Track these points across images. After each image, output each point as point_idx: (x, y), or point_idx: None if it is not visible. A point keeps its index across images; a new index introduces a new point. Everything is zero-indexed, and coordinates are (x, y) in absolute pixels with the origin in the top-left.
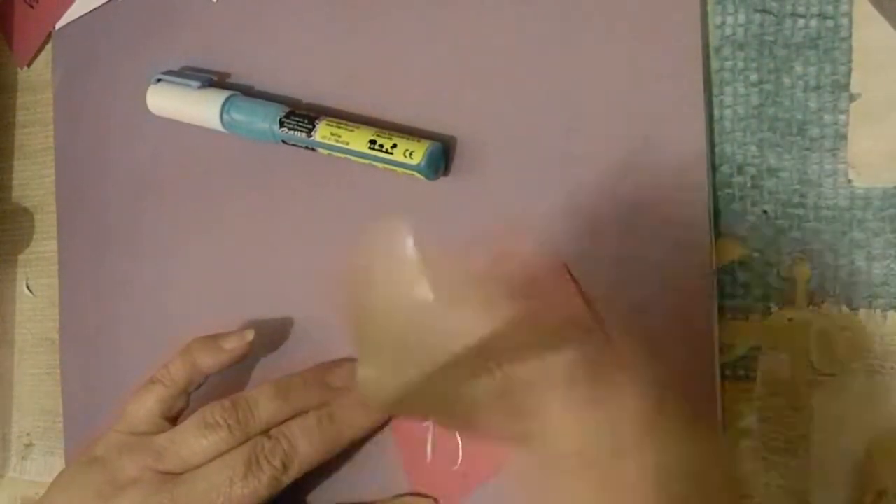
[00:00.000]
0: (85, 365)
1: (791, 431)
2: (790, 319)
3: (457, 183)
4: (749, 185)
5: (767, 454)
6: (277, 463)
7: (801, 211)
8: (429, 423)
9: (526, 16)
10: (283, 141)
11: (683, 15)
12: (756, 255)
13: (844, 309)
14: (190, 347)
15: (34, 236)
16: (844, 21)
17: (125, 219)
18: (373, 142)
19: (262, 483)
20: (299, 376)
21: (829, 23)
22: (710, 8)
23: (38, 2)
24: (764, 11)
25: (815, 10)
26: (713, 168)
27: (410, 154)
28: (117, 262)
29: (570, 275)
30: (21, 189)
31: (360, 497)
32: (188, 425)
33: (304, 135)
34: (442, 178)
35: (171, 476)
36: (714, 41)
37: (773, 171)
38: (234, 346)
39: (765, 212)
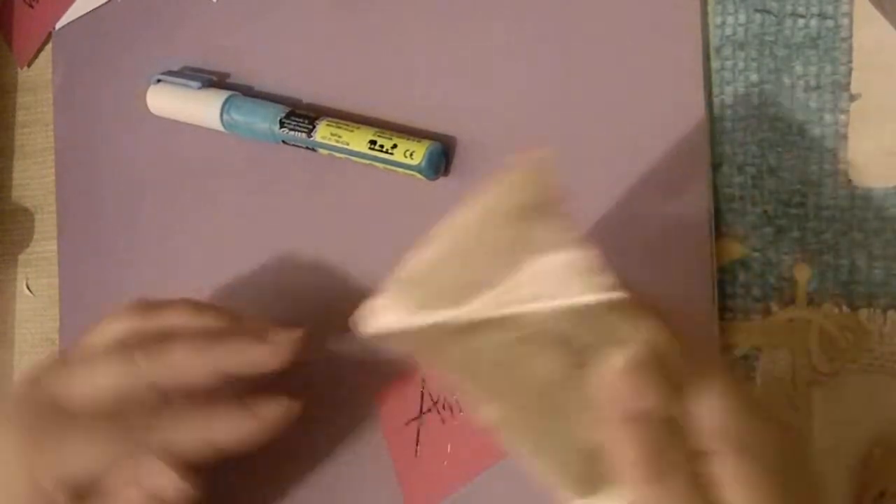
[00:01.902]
0: None
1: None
2: (790, 319)
3: (457, 183)
4: (749, 184)
5: None
6: (145, 360)
7: (801, 211)
8: (416, 421)
9: (526, 16)
10: (283, 141)
11: (683, 15)
12: (756, 255)
13: (845, 309)
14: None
15: (34, 236)
16: (845, 21)
17: (125, 219)
18: (373, 142)
19: (128, 376)
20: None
21: (830, 23)
22: (710, 8)
23: (38, 2)
24: (764, 11)
25: (815, 10)
26: (713, 168)
27: (411, 154)
28: (117, 262)
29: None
30: (21, 189)
31: (352, 496)
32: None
33: (304, 135)
34: (442, 178)
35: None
36: (714, 41)
37: (773, 171)
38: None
39: (765, 212)
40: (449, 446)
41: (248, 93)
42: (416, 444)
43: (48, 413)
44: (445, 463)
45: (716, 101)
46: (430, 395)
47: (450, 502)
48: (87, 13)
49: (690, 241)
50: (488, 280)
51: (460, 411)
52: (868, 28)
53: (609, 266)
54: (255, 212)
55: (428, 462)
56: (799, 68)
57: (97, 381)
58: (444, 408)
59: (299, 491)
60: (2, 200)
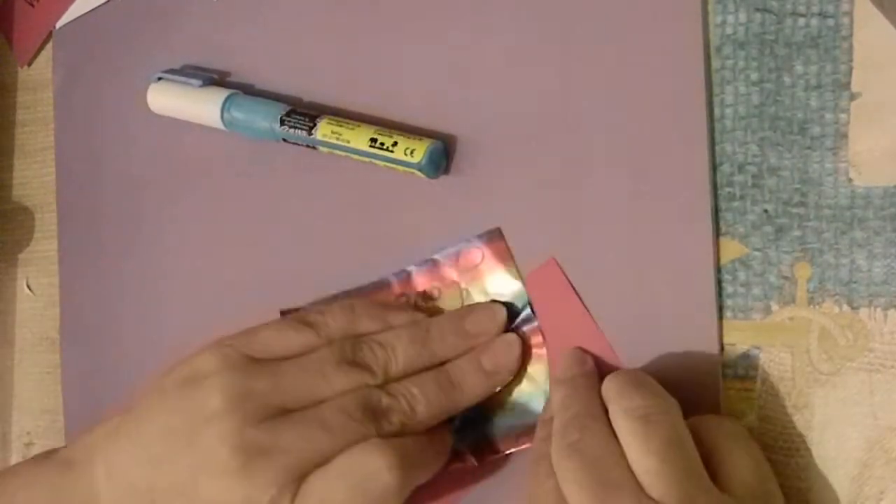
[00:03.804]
0: (85, 364)
1: (791, 431)
2: (791, 318)
3: (457, 182)
4: (750, 184)
5: (767, 454)
6: (395, 421)
7: (801, 210)
8: None
9: (526, 15)
10: (283, 139)
11: (683, 14)
12: (756, 254)
13: (845, 308)
14: (354, 307)
15: (34, 236)
16: (845, 20)
17: (125, 218)
18: (374, 140)
19: (373, 433)
20: (436, 324)
21: (830, 22)
22: (710, 7)
23: (38, 1)
24: (764, 10)
25: (815, 9)
26: (714, 167)
27: (411, 152)
28: (117, 261)
29: (560, 270)
30: (21, 189)
31: None
32: (325, 358)
33: (304, 133)
34: (442, 177)
35: (277, 409)
36: (715, 40)
37: (773, 170)
38: (401, 321)
39: (765, 211)
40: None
41: (249, 91)
42: None
43: (265, 417)
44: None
45: (716, 100)
46: None
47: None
48: (88, 12)
49: (690, 240)
50: None
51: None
52: (868, 27)
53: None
54: (255, 210)
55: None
56: (799, 67)
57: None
58: None
59: None
60: (2, 200)
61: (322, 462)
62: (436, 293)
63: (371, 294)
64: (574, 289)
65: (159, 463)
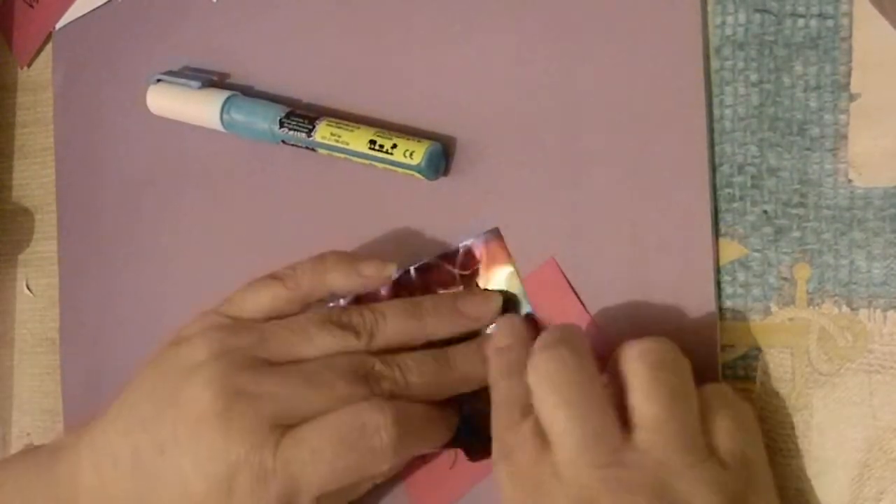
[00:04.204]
0: (85, 365)
1: (791, 432)
2: (790, 319)
3: (457, 183)
4: (749, 184)
5: (768, 454)
6: (385, 386)
7: (801, 211)
8: None
9: (526, 16)
10: (282, 141)
11: (683, 15)
12: (756, 255)
13: (844, 309)
14: (325, 259)
15: (34, 236)
16: (845, 21)
17: (125, 219)
18: (373, 142)
19: (361, 394)
20: (430, 299)
21: (830, 22)
22: (710, 8)
23: (38, 2)
24: (764, 11)
25: (815, 9)
26: (713, 168)
27: (410, 154)
28: (117, 262)
29: (560, 270)
30: (21, 189)
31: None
32: (310, 318)
33: (304, 135)
34: (442, 178)
35: (261, 362)
36: (714, 41)
37: (773, 171)
38: (370, 273)
39: (765, 212)
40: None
41: (248, 92)
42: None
43: (250, 366)
44: (451, 467)
45: (716, 101)
46: None
47: None
48: (87, 13)
49: (690, 241)
50: None
51: None
52: (868, 28)
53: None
54: (254, 211)
55: (435, 464)
56: (799, 68)
57: (315, 346)
58: None
59: None
60: (2, 200)
61: (306, 416)
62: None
63: (371, 295)
64: (573, 289)
65: (143, 423)
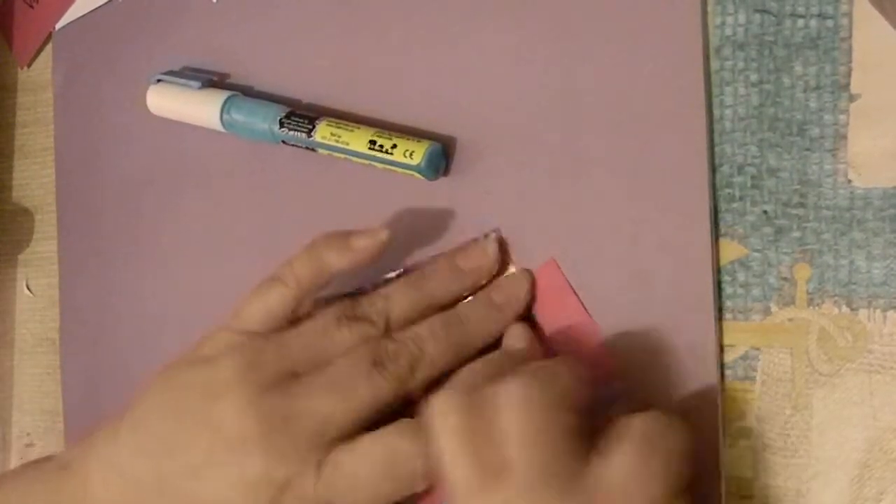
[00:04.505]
0: (85, 365)
1: (790, 432)
2: (790, 319)
3: (457, 183)
4: (749, 185)
5: (767, 454)
6: (403, 363)
7: (801, 211)
8: None
9: (526, 16)
10: (282, 141)
11: (683, 15)
12: (756, 255)
13: (844, 309)
14: (315, 244)
15: (34, 236)
16: (844, 21)
17: (125, 219)
18: (373, 142)
19: (387, 384)
20: (428, 265)
21: (829, 23)
22: (710, 8)
23: (38, 2)
24: (764, 11)
25: (814, 10)
26: (713, 168)
27: (410, 154)
28: (117, 261)
29: (560, 270)
30: (21, 189)
31: None
32: (325, 317)
33: (303, 135)
34: (442, 178)
35: (288, 375)
36: (714, 41)
37: (773, 171)
38: (364, 244)
39: (765, 212)
40: None
41: (248, 93)
42: None
43: (279, 382)
44: None
45: (715, 101)
46: None
47: None
48: (87, 13)
49: (690, 241)
50: None
51: None
52: (868, 28)
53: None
54: (254, 212)
55: None
56: (799, 68)
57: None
58: None
59: None
60: (2, 200)
61: (341, 428)
62: None
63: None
64: (573, 289)
65: (170, 448)
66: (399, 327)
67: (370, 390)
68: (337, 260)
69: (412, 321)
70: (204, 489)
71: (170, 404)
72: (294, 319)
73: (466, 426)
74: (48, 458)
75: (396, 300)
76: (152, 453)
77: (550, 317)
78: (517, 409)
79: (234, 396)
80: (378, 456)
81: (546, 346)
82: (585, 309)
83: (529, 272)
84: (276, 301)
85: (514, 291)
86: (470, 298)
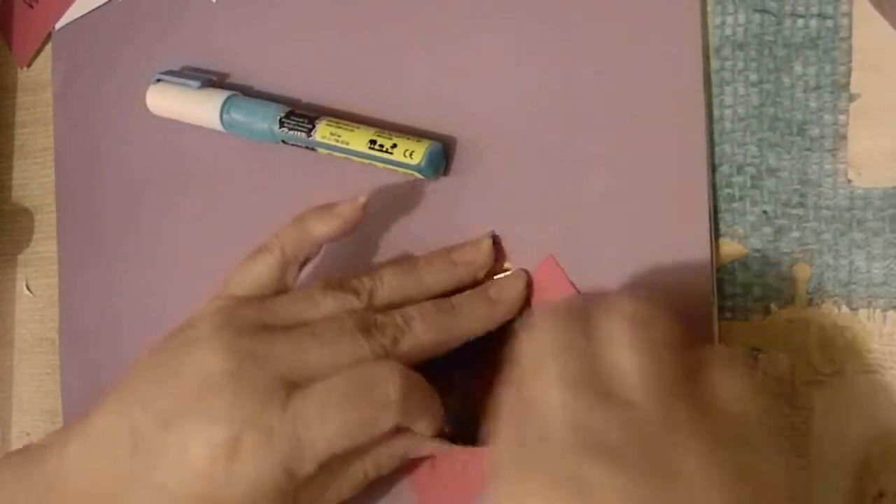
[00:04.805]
0: (85, 365)
1: (791, 431)
2: (790, 319)
3: (456, 183)
4: (749, 184)
5: None
6: (388, 333)
7: (800, 211)
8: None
9: (526, 16)
10: (282, 141)
11: (683, 15)
12: (756, 255)
13: (844, 309)
14: (302, 216)
15: (34, 236)
16: (844, 21)
17: (125, 219)
18: (373, 142)
19: (369, 347)
20: (424, 256)
21: (829, 23)
22: (709, 8)
23: (37, 2)
24: (764, 11)
25: (814, 9)
26: (713, 168)
27: (410, 154)
28: (117, 262)
29: (559, 267)
30: (21, 189)
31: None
32: (311, 288)
33: (303, 135)
34: (441, 178)
35: (267, 328)
36: (714, 41)
37: (772, 171)
38: (345, 209)
39: (765, 212)
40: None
41: (248, 92)
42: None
43: (258, 331)
44: (462, 467)
45: (716, 101)
46: None
47: None
48: (87, 13)
49: (690, 241)
50: None
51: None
52: (868, 28)
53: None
54: (254, 211)
55: (443, 467)
56: (798, 68)
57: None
58: None
59: None
60: (2, 200)
61: (316, 372)
62: None
63: None
64: (573, 285)
65: (142, 402)
66: (384, 307)
67: (351, 347)
68: (321, 227)
69: (398, 305)
70: (169, 438)
71: (149, 364)
72: (281, 289)
73: (571, 343)
74: (28, 446)
75: (386, 280)
76: (128, 410)
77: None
78: (631, 347)
79: (209, 343)
80: (349, 382)
81: None
82: None
83: (526, 272)
84: (261, 268)
85: (510, 289)
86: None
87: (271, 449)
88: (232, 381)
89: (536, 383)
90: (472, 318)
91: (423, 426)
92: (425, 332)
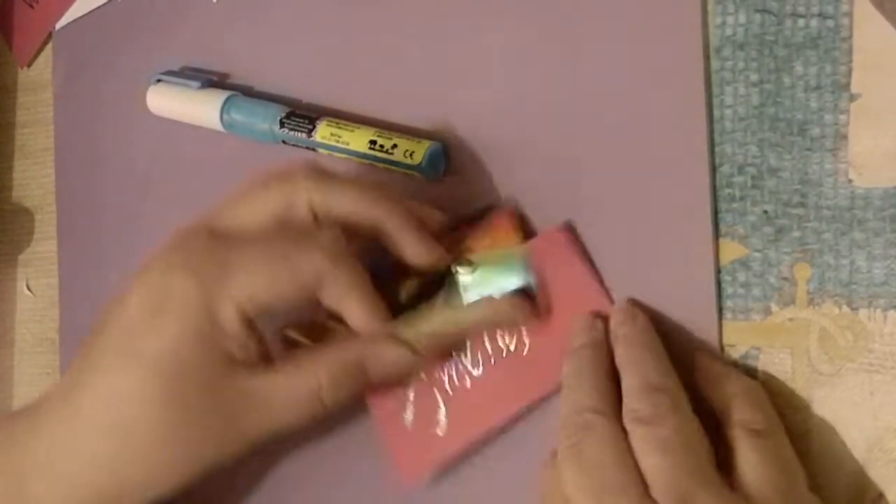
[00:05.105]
0: None
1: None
2: (790, 319)
3: (457, 183)
4: (749, 185)
5: None
6: (311, 176)
7: (801, 211)
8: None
9: (526, 16)
10: (283, 141)
11: (683, 15)
12: (756, 255)
13: (845, 309)
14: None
15: (34, 236)
16: (845, 21)
17: (125, 219)
18: (373, 142)
19: (287, 188)
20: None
21: (830, 23)
22: (710, 8)
23: (38, 2)
24: (764, 11)
25: (815, 9)
26: (713, 168)
27: (411, 154)
28: (117, 262)
29: (574, 238)
30: (21, 189)
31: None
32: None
33: (304, 135)
34: (442, 178)
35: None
36: (714, 41)
37: (773, 171)
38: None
39: (765, 212)
40: (442, 414)
41: (248, 93)
42: (408, 413)
43: (212, 247)
44: (439, 431)
45: (716, 101)
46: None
47: (443, 470)
48: (87, 13)
49: (690, 241)
50: None
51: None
52: (868, 28)
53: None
54: None
55: (420, 431)
56: (799, 68)
57: (262, 210)
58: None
59: (280, 461)
60: (2, 200)
61: (241, 223)
62: None
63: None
64: (585, 258)
65: (107, 323)
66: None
67: (281, 192)
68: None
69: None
70: (137, 344)
71: (121, 299)
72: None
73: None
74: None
75: (338, 192)
76: (98, 332)
77: (559, 285)
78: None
79: (165, 259)
80: (280, 240)
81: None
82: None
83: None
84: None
85: (435, 216)
86: None
87: (192, 282)
88: (170, 252)
89: None
90: (397, 216)
91: (355, 306)
92: (346, 191)
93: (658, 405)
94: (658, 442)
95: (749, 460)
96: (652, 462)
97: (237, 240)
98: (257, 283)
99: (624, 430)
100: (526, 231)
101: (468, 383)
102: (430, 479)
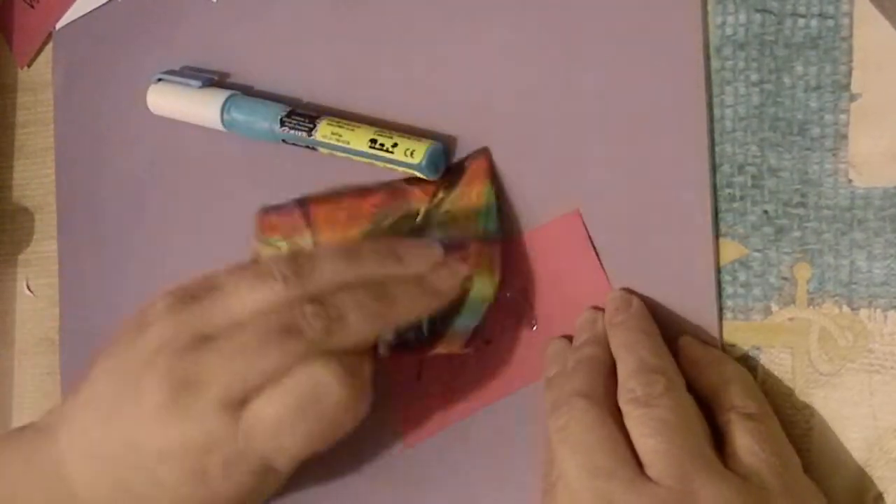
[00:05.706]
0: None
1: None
2: (791, 319)
3: None
4: (749, 184)
5: None
6: (318, 327)
7: (801, 211)
8: None
9: (526, 16)
10: (283, 140)
11: (683, 15)
12: (756, 254)
13: (845, 309)
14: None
15: (34, 236)
16: (845, 21)
17: (125, 219)
18: (373, 141)
19: (298, 350)
20: (368, 243)
21: (830, 22)
22: (710, 8)
23: (38, 2)
24: (764, 11)
25: (815, 9)
26: (714, 168)
27: (411, 153)
28: (117, 262)
29: (584, 225)
30: (21, 189)
31: None
32: (243, 272)
33: (304, 134)
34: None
35: (204, 338)
36: (714, 41)
37: (773, 171)
38: (444, 282)
39: (765, 212)
40: (449, 380)
41: (249, 92)
42: (420, 368)
43: (192, 347)
44: (446, 393)
45: (716, 100)
46: None
47: (448, 433)
48: (88, 13)
49: (690, 241)
50: None
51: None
52: (868, 28)
53: (606, 271)
54: (255, 211)
55: (428, 389)
56: (799, 68)
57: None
58: None
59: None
60: (2, 200)
61: (252, 385)
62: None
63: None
64: (593, 246)
65: (110, 419)
66: (317, 293)
67: (280, 353)
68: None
69: (333, 289)
70: (140, 459)
71: (109, 374)
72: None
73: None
74: (30, 424)
75: (324, 264)
76: (99, 423)
77: (564, 269)
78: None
79: (156, 367)
80: (294, 391)
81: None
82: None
83: (462, 262)
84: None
85: (447, 281)
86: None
87: (238, 466)
88: (174, 412)
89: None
90: (409, 310)
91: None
92: (360, 322)
93: (654, 385)
94: (655, 423)
95: (744, 443)
96: (649, 443)
97: (262, 404)
98: (303, 452)
99: (620, 412)
100: (494, 177)
101: (479, 355)
102: (428, 439)
